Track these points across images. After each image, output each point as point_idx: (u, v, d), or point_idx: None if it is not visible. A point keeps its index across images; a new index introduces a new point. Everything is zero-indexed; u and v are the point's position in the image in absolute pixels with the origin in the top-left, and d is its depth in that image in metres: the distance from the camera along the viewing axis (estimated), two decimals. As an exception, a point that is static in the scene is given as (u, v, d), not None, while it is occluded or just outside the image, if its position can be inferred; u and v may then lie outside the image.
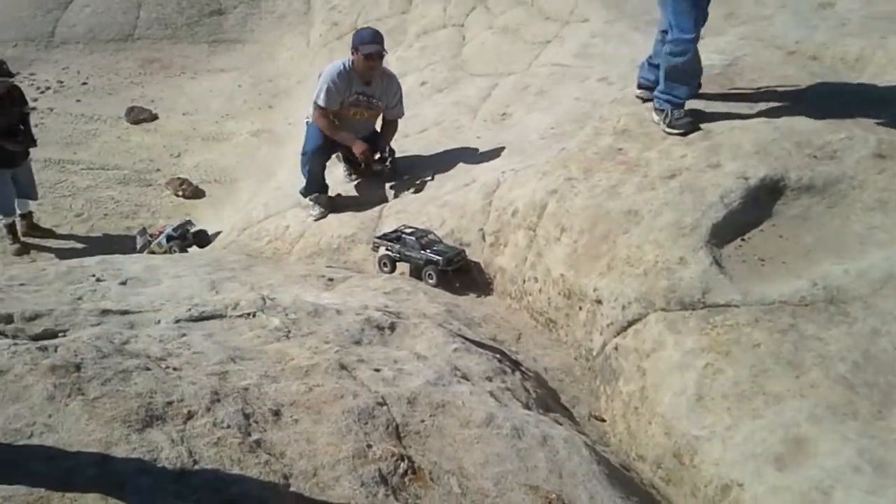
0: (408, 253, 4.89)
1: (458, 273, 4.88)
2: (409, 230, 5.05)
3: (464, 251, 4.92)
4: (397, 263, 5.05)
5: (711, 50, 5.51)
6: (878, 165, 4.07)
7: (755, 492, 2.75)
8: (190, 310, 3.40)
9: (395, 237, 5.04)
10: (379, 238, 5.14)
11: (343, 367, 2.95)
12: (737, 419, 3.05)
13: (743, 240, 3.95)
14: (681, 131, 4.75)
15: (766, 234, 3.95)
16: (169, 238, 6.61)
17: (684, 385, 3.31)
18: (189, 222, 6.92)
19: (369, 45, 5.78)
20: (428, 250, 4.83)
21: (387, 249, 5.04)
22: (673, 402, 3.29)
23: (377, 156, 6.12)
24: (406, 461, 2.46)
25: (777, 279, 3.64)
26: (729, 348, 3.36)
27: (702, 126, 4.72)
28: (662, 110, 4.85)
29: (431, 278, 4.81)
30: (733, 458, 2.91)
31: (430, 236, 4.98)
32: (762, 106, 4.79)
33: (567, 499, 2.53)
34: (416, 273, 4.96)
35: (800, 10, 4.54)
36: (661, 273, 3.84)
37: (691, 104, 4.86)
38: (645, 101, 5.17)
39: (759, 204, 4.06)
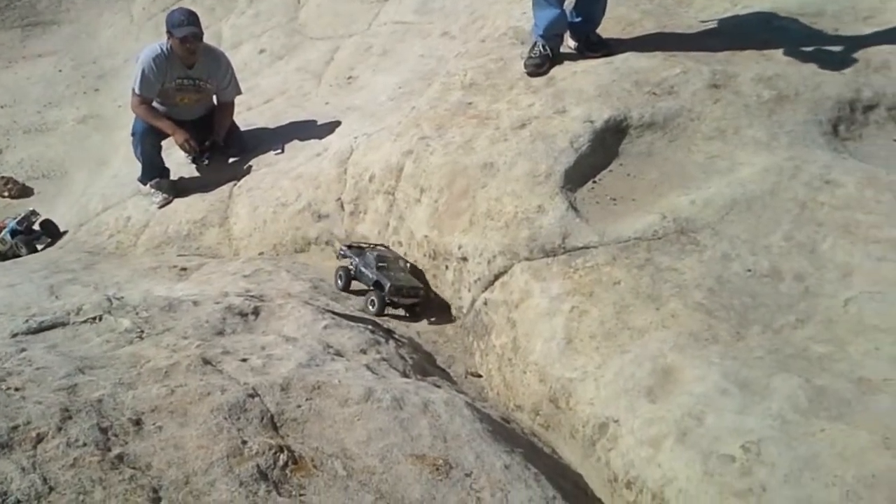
0: (362, 269, 4.21)
1: (411, 310, 4.19)
2: (378, 247, 4.41)
3: (423, 289, 4.18)
4: (353, 281, 4.32)
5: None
6: (713, 96, 4.25)
7: (631, 426, 2.83)
8: (27, 321, 3.11)
9: (358, 250, 4.37)
10: (347, 247, 4.43)
11: (206, 361, 2.79)
12: (606, 357, 3.13)
13: (595, 182, 4.05)
14: (526, 70, 4.83)
15: (615, 173, 4.06)
16: (13, 233, 5.98)
17: (553, 330, 3.37)
18: (33, 212, 6.29)
19: (182, 27, 5.42)
20: (381, 272, 4.09)
21: (349, 261, 4.33)
22: (544, 349, 3.33)
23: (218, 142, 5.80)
24: (286, 452, 2.35)
25: (630, 216, 3.75)
26: (592, 289, 3.43)
27: (546, 70, 4.79)
28: (535, 42, 4.88)
29: (373, 305, 4.06)
30: (607, 396, 2.99)
31: (400, 263, 4.26)
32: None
33: (454, 462, 2.52)
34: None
35: (626, -49, 4.66)
36: (521, 223, 3.87)
37: None
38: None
39: (606, 145, 4.17)
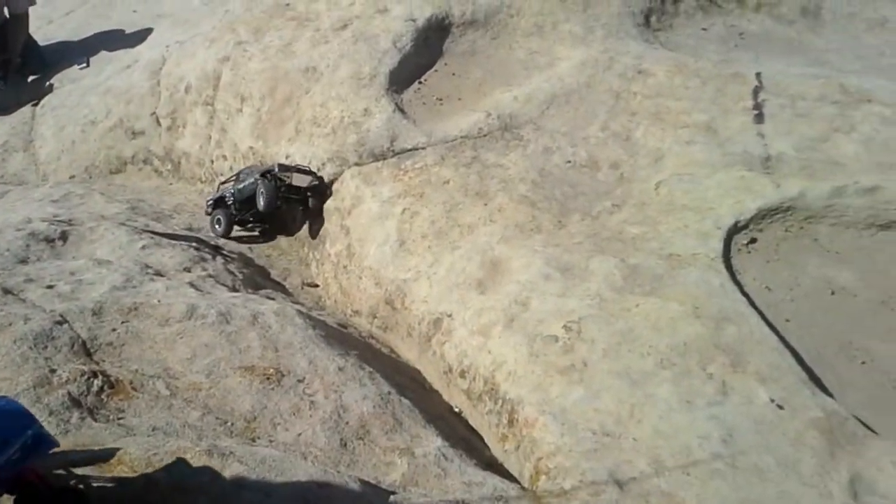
0: (242, 185, 3.73)
1: (309, 198, 3.73)
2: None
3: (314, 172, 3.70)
4: (238, 214, 3.84)
5: None
6: (531, -9, 4.26)
7: (463, 318, 2.89)
8: None
9: (223, 186, 3.85)
10: (213, 200, 3.94)
11: (7, 291, 2.57)
12: (438, 255, 3.15)
13: (420, 82, 3.99)
14: None
15: (440, 73, 4.02)
16: None
17: (386, 234, 3.35)
18: None
19: None
20: (261, 170, 3.68)
21: (224, 201, 3.85)
22: (378, 253, 3.32)
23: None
24: (100, 377, 2.22)
25: (456, 116, 3.74)
26: (422, 190, 3.42)
27: None
28: None
29: (264, 195, 3.56)
30: (440, 293, 3.03)
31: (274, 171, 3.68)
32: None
33: (286, 369, 2.48)
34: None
35: None
36: (348, 128, 3.78)
37: None
38: None
39: (430, 44, 4.11)
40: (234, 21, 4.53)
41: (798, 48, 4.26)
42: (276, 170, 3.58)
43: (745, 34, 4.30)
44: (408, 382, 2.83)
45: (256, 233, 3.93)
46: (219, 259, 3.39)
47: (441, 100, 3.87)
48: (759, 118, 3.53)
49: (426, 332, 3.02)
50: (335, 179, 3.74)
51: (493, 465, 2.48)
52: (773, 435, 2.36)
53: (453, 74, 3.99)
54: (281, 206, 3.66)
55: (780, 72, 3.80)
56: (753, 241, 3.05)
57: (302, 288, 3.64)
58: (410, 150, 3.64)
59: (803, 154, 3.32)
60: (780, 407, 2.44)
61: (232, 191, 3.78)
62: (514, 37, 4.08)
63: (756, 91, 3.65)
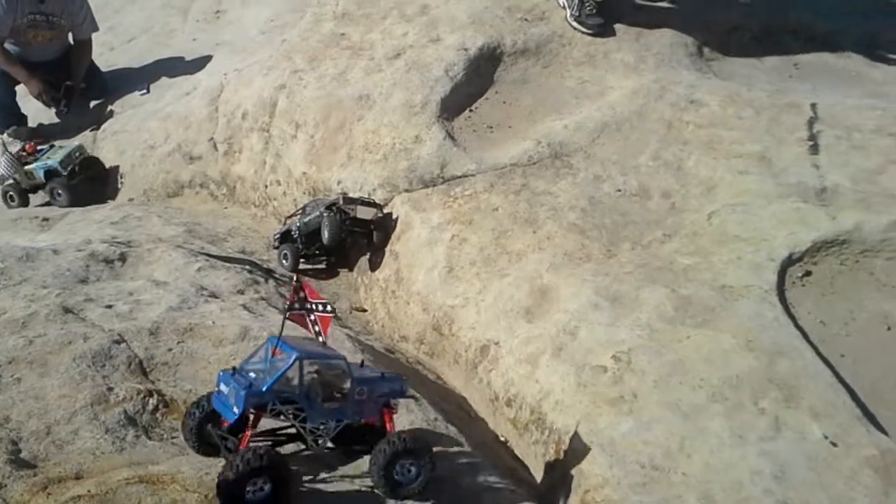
0: (307, 218, 3.70)
1: (370, 229, 3.68)
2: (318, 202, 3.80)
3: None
4: (305, 249, 3.81)
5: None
6: (583, 21, 4.27)
7: (510, 346, 2.89)
8: None
9: (289, 220, 3.88)
10: (280, 234, 3.91)
11: (68, 310, 2.65)
12: (486, 282, 3.16)
13: (471, 110, 4.03)
14: (590, 31, 4.24)
15: (491, 101, 4.05)
16: (49, 174, 4.66)
17: (435, 260, 3.37)
18: (80, 148, 4.87)
19: None
20: (325, 202, 3.67)
21: (290, 236, 3.83)
22: (426, 279, 3.34)
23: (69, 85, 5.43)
24: (156, 396, 2.28)
25: (506, 143, 3.76)
26: (471, 217, 3.45)
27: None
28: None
29: (329, 229, 3.54)
30: (487, 320, 3.03)
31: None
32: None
33: (334, 393, 2.50)
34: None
35: None
36: (399, 155, 3.83)
37: None
38: None
39: (481, 73, 4.15)
40: (291, 50, 4.63)
41: (855, 80, 4.20)
42: (341, 202, 3.58)
43: (799, 65, 4.25)
44: (454, 409, 2.84)
45: (322, 266, 3.95)
46: (271, 282, 3.45)
47: (491, 127, 3.90)
48: (814, 149, 3.48)
49: (473, 360, 3.03)
50: (385, 205, 3.78)
51: (540, 496, 2.46)
52: (827, 472, 2.31)
53: (504, 102, 4.02)
54: (346, 239, 3.66)
55: (835, 103, 3.75)
56: (808, 274, 3.00)
57: (350, 312, 3.67)
58: (460, 176, 3.66)
59: (859, 186, 3.26)
60: (834, 444, 2.38)
61: (298, 224, 3.78)
62: (565, 66, 4.10)
63: (811, 122, 3.60)
